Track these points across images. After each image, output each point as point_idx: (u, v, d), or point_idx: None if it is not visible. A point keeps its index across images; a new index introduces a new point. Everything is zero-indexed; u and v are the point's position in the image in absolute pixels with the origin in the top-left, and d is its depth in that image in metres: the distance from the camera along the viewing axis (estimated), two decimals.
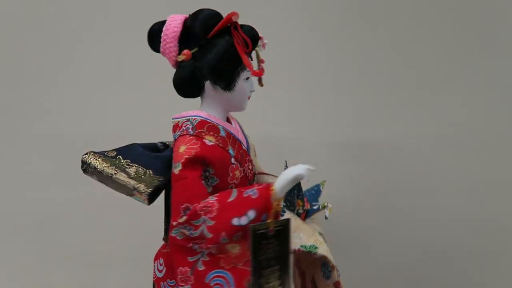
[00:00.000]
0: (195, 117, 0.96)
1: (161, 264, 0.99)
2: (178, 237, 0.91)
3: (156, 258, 1.01)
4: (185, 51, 0.93)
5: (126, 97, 1.50)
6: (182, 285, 0.91)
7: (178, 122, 0.97)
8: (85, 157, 0.95)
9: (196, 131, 0.94)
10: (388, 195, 1.48)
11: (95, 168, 0.93)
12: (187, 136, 0.94)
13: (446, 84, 1.45)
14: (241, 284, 0.89)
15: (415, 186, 1.47)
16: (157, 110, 1.35)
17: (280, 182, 0.88)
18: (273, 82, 1.04)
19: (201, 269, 0.90)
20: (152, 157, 0.96)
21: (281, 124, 1.49)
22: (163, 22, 0.97)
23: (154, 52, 0.99)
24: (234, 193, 0.89)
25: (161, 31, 0.96)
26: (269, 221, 0.87)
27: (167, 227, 0.99)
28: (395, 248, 1.48)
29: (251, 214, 0.87)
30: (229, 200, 0.88)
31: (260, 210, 0.87)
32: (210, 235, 0.87)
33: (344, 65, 1.48)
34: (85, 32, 1.50)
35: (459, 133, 1.45)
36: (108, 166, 0.93)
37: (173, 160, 0.93)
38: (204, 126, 0.95)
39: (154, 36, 0.97)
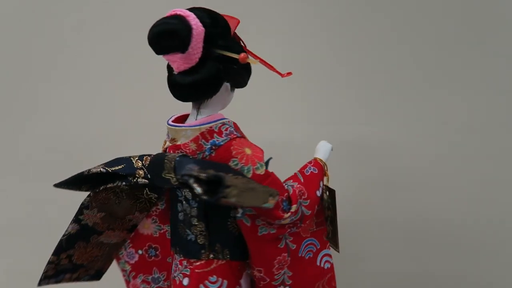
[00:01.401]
0: (228, 120, 0.96)
1: (214, 282, 0.95)
2: (271, 231, 0.95)
3: (198, 281, 0.95)
4: (244, 54, 0.91)
5: (126, 98, 1.47)
6: (279, 272, 0.98)
7: (211, 127, 0.93)
8: (226, 179, 0.80)
9: (239, 132, 0.96)
10: (388, 195, 1.46)
11: (238, 188, 0.82)
12: (239, 138, 0.94)
13: (449, 83, 1.43)
14: (322, 240, 1.04)
15: (415, 186, 1.45)
16: (160, 111, 1.32)
17: (325, 155, 1.07)
18: (268, 82, 1.06)
19: (293, 248, 0.99)
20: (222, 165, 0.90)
21: (277, 123, 1.47)
22: (178, 19, 0.87)
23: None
24: (298, 175, 1.02)
25: (189, 29, 0.86)
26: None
27: (214, 240, 0.96)
28: (394, 248, 1.47)
29: (321, 184, 1.03)
30: (302, 180, 1.00)
31: (322, 180, 1.04)
32: (309, 212, 0.98)
33: (344, 64, 1.45)
34: (88, 32, 1.47)
35: (462, 133, 1.44)
36: (242, 182, 0.84)
37: (244, 163, 0.91)
38: (238, 128, 0.97)
39: (184, 35, 0.86)
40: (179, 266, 0.98)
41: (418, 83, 1.43)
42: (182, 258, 0.98)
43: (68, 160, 1.45)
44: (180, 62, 0.89)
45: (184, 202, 0.96)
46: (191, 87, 0.90)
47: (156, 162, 0.92)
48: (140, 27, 1.32)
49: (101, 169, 0.94)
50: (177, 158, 0.90)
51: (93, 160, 1.35)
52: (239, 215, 0.93)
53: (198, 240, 0.96)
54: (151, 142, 1.08)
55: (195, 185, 0.79)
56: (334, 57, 1.45)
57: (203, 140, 0.92)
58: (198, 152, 0.92)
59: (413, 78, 1.43)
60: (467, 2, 1.40)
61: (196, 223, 0.96)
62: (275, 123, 1.47)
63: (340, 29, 1.44)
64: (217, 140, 0.92)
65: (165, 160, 0.90)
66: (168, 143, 0.96)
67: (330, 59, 1.44)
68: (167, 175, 0.89)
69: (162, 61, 0.94)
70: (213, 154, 0.92)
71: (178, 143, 0.94)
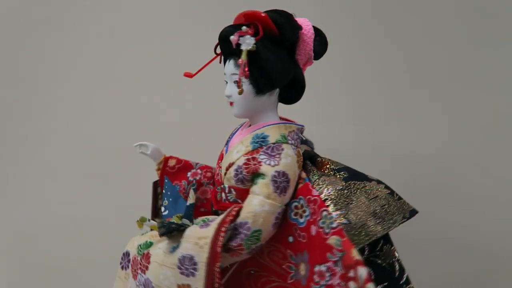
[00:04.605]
0: None
1: None
2: None
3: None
4: None
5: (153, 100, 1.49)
6: None
7: None
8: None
9: None
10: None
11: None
12: None
13: (466, 84, 1.42)
14: None
15: (425, 187, 1.44)
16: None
17: None
18: None
19: None
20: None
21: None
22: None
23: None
24: None
25: None
26: None
27: None
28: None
29: None
30: None
31: None
32: None
33: (351, 66, 1.44)
34: (115, 37, 1.47)
35: (474, 134, 1.42)
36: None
37: None
38: None
39: None
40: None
41: (435, 86, 1.43)
42: None
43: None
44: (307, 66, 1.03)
45: None
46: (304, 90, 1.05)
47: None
48: (173, 32, 1.43)
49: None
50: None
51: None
52: None
53: None
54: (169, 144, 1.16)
55: None
56: (340, 59, 1.41)
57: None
58: None
59: (429, 79, 1.43)
60: (467, 2, 1.40)
61: None
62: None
63: (354, 29, 1.43)
64: None
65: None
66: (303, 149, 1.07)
67: (338, 61, 1.41)
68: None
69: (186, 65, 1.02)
70: None
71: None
